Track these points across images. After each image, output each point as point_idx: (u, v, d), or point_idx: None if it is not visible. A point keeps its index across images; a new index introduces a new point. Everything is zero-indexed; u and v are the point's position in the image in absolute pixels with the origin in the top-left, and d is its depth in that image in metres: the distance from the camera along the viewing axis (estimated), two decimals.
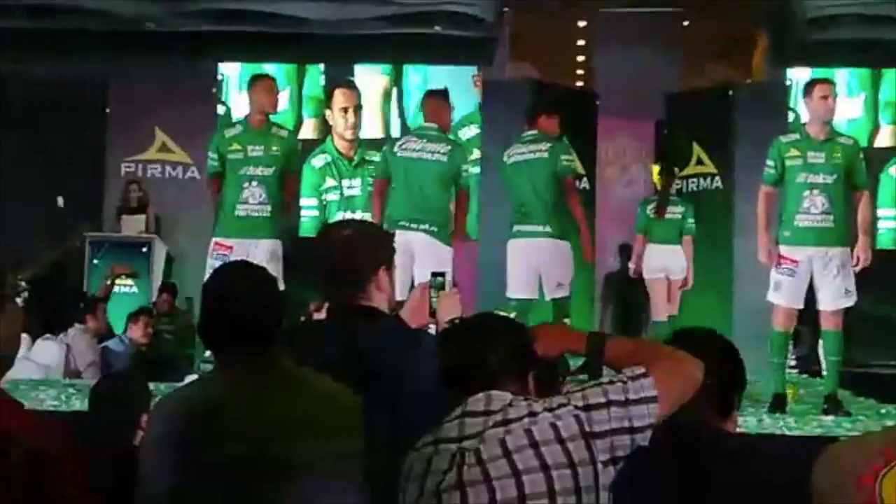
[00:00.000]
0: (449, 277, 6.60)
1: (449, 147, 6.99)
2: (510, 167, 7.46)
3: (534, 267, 7.31)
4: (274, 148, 6.86)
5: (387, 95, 10.91)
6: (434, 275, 3.15)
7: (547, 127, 7.51)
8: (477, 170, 9.49)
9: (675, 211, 8.94)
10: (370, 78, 10.54)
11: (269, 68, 9.12)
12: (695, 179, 10.27)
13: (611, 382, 2.28)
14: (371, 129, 10.38)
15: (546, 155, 7.34)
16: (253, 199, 6.83)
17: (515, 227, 7.34)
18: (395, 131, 10.73)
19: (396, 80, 10.91)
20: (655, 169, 9.75)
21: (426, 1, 9.77)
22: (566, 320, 7.35)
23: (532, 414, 2.25)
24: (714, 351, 2.52)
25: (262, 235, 6.81)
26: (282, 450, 2.44)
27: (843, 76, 9.83)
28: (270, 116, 7.00)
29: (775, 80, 10.66)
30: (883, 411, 7.02)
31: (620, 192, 11.34)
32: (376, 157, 7.15)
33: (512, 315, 7.47)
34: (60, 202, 10.01)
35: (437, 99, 7.12)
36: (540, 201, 7.26)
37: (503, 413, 2.26)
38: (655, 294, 8.81)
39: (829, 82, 6.78)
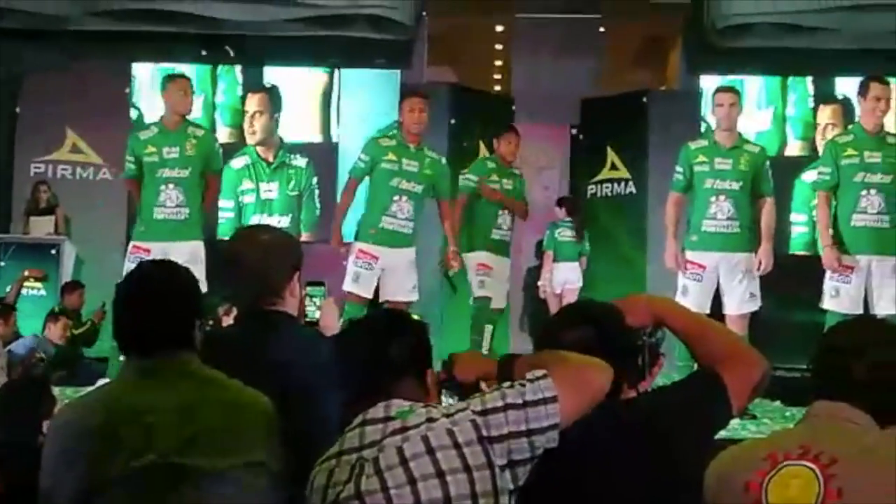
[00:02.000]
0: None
1: None
2: None
3: None
4: (190, 149, 6.78)
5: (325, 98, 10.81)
6: (310, 283, 3.12)
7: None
8: None
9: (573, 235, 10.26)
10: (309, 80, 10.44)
11: (184, 69, 9.02)
12: (608, 184, 10.39)
13: (511, 386, 2.29)
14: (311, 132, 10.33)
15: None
16: (170, 202, 6.75)
17: None
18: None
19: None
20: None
21: (344, 4, 9.72)
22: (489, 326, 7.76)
23: (430, 420, 2.25)
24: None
25: (181, 238, 6.73)
26: (192, 459, 2.41)
27: (753, 90, 9.96)
28: (187, 117, 6.96)
29: (689, 87, 10.81)
30: (788, 414, 7.15)
31: (536, 197, 11.40)
32: (297, 161, 7.14)
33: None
34: None
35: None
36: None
37: (402, 420, 2.26)
38: (552, 306, 9.61)
39: (732, 91, 6.92)
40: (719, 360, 2.48)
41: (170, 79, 7.02)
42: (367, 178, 7.13)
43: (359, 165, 7.12)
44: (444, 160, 7.35)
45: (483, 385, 2.47)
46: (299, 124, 9.42)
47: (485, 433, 2.23)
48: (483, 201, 7.98)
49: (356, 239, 7.08)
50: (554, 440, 2.25)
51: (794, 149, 10.07)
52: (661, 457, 2.35)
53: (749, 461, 2.24)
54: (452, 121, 9.91)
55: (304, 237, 6.95)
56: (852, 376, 2.25)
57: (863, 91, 6.80)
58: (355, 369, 2.39)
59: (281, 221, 6.80)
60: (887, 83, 6.81)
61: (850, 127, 7.46)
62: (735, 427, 6.29)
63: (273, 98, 7.08)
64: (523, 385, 2.27)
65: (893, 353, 2.29)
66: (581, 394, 2.30)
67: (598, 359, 2.35)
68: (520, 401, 2.25)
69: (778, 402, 7.40)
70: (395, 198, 7.02)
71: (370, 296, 7.05)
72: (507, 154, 8.21)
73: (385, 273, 7.04)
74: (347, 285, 6.94)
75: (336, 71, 10.01)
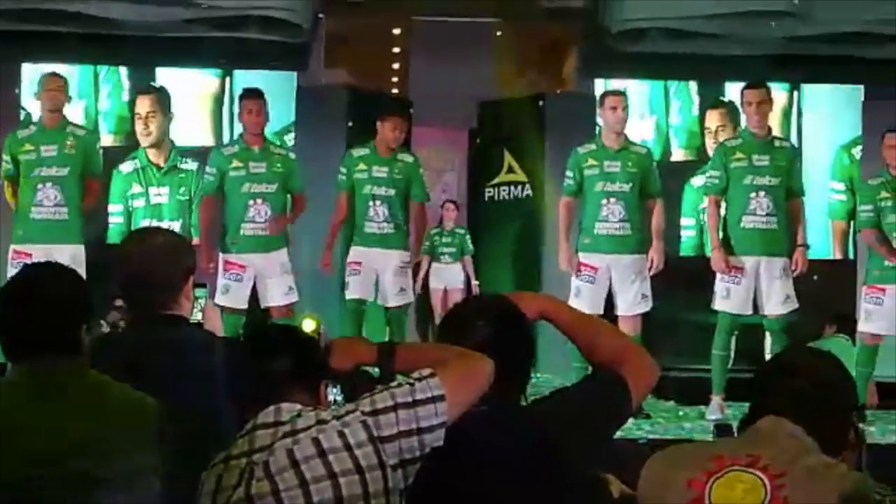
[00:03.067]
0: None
1: None
2: None
3: None
4: (69, 147, 6.68)
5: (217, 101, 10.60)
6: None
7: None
8: None
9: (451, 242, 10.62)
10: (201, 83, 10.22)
11: (66, 69, 8.82)
12: (506, 187, 10.43)
13: (399, 385, 2.30)
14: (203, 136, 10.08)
15: None
16: (48, 202, 6.63)
17: None
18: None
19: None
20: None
21: (238, 5, 9.61)
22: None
23: (320, 422, 2.25)
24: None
25: (61, 240, 6.60)
26: (81, 466, 2.37)
27: (635, 101, 10.04)
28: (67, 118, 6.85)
29: (585, 91, 10.89)
30: (681, 413, 7.27)
31: (435, 199, 11.42)
32: (187, 165, 7.05)
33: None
34: None
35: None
36: None
37: (292, 424, 2.25)
38: (437, 306, 9.97)
39: (620, 94, 7.06)
40: (614, 361, 2.53)
41: (43, 77, 6.94)
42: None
43: (208, 180, 7.09)
44: (292, 155, 7.28)
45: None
46: (191, 128, 9.26)
47: (375, 433, 2.24)
48: (355, 194, 7.45)
49: (221, 251, 7.00)
50: (440, 438, 2.27)
51: (678, 156, 10.20)
52: (550, 461, 2.38)
53: (693, 460, 2.32)
54: (350, 123, 9.86)
55: (195, 241, 6.88)
56: (797, 395, 2.34)
57: (741, 98, 7.03)
58: (244, 386, 2.39)
59: (171, 226, 6.75)
60: (761, 87, 6.99)
61: (738, 132, 7.62)
62: (630, 427, 6.36)
63: (164, 99, 7.04)
64: (412, 384, 2.29)
65: (837, 376, 2.41)
66: (467, 391, 2.33)
67: (478, 353, 2.38)
68: (409, 399, 2.27)
69: (671, 402, 7.52)
70: (251, 203, 6.96)
71: (243, 306, 6.98)
72: (389, 139, 7.47)
73: (258, 279, 6.98)
74: (218, 298, 6.85)
75: (228, 74, 9.89)
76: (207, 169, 7.02)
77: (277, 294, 6.99)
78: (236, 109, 7.53)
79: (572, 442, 2.41)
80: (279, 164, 7.05)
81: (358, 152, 7.54)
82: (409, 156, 7.67)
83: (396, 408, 2.26)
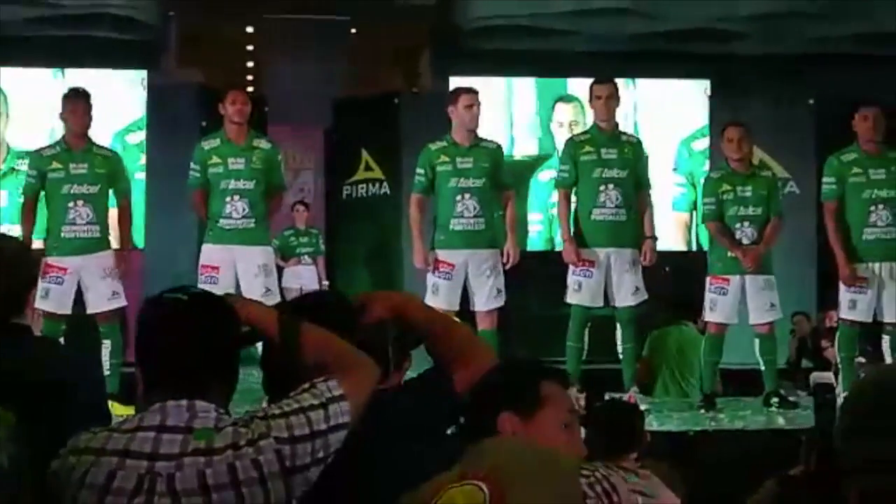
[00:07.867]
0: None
1: None
2: None
3: None
4: None
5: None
6: None
7: None
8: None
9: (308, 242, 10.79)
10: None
11: None
12: (363, 185, 10.45)
13: (312, 407, 2.23)
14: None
15: None
16: None
17: None
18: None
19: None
20: None
21: (86, 3, 9.41)
22: None
23: (235, 447, 2.16)
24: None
25: None
26: None
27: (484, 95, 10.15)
28: None
29: (439, 89, 10.96)
30: None
31: (292, 200, 11.38)
32: (24, 167, 6.84)
33: None
34: None
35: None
36: None
37: (207, 441, 2.16)
38: None
39: (473, 91, 7.08)
40: (460, 356, 2.58)
41: None
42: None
43: (28, 182, 6.84)
44: (117, 154, 7.12)
45: None
46: (30, 131, 8.86)
47: (289, 464, 2.18)
48: (212, 190, 7.02)
49: (45, 254, 6.74)
50: (341, 440, 2.25)
51: (524, 150, 10.34)
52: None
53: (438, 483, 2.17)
54: (203, 123, 9.72)
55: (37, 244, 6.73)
56: None
57: (589, 93, 7.17)
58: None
59: (11, 230, 6.54)
60: (609, 82, 7.13)
61: (587, 126, 7.74)
62: None
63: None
64: (325, 406, 2.24)
65: None
66: (363, 403, 2.31)
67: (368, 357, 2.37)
68: (324, 427, 2.22)
69: None
70: (70, 204, 6.71)
71: (65, 311, 6.73)
72: (235, 115, 6.98)
73: (82, 283, 6.78)
74: (38, 302, 6.48)
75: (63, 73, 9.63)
76: (28, 171, 6.79)
77: (101, 299, 6.76)
78: None
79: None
80: (101, 165, 6.85)
81: (204, 148, 7.10)
82: (263, 141, 7.26)
83: (313, 437, 2.20)
